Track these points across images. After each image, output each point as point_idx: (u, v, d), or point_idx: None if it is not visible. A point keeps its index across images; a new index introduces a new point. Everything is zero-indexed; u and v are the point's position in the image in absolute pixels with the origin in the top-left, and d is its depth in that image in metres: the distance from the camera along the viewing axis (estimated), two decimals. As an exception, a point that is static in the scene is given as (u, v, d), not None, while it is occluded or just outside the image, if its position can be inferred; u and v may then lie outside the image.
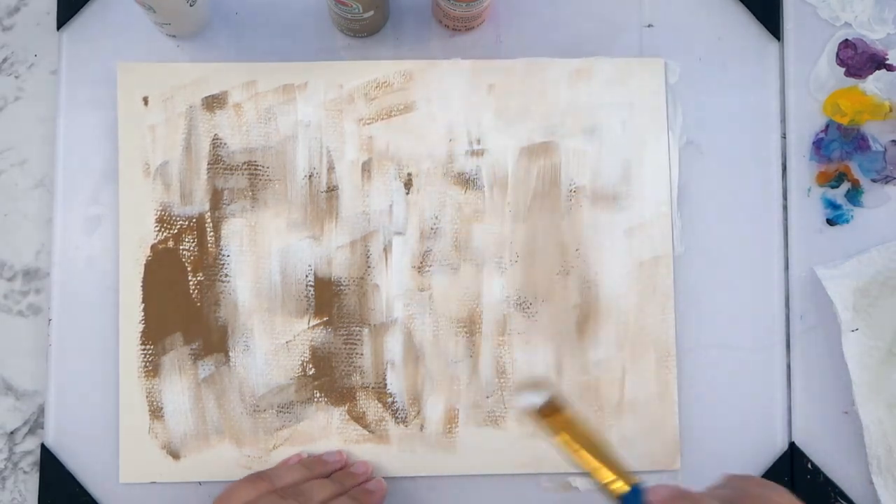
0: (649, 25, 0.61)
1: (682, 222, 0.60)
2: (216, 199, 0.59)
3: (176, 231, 0.59)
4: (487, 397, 0.58)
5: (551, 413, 0.51)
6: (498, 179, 0.59)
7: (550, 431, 0.51)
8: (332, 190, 0.59)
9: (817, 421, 0.59)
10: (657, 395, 0.58)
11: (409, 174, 0.59)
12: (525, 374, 0.58)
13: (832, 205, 0.60)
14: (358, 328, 0.58)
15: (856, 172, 0.60)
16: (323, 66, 0.60)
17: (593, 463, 0.50)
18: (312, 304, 0.58)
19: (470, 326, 0.59)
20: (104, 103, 0.60)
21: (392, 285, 0.59)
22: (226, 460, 0.58)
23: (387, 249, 0.59)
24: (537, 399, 0.52)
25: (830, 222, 0.60)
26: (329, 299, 0.58)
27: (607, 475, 0.50)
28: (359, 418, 0.58)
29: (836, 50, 0.61)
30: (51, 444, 0.58)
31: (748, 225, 0.60)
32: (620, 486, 0.49)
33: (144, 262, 0.58)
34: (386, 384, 0.58)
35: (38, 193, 0.60)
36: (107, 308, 0.59)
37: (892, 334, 0.58)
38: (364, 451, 0.58)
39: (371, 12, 0.57)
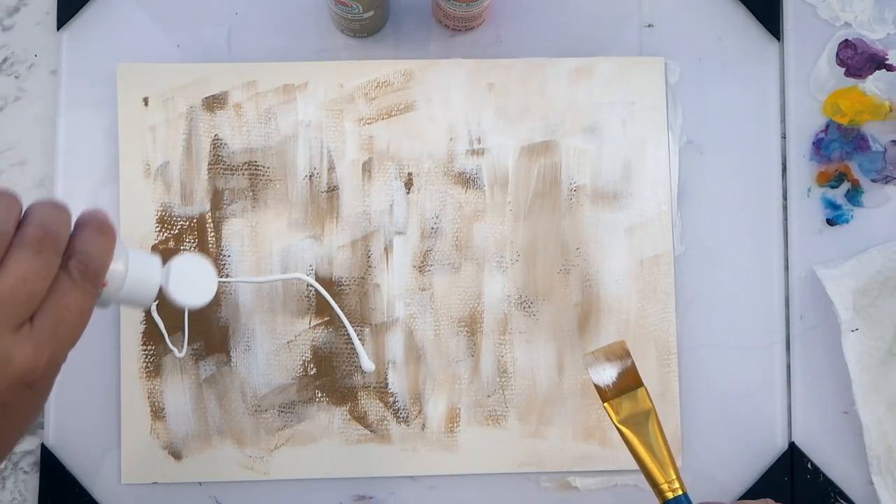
0: (649, 25, 0.61)
1: (682, 222, 0.60)
2: (217, 199, 0.59)
3: (177, 231, 0.59)
4: (489, 396, 0.58)
5: (624, 390, 0.52)
6: (498, 178, 0.59)
7: (614, 418, 0.52)
8: (332, 190, 0.59)
9: (817, 421, 0.59)
10: (658, 393, 0.58)
11: (410, 174, 0.59)
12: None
13: (832, 205, 0.60)
14: (359, 328, 0.58)
15: (856, 172, 0.60)
16: (323, 66, 0.60)
17: (647, 461, 0.51)
18: (313, 303, 0.58)
19: (471, 325, 0.59)
20: (104, 103, 0.60)
21: (393, 285, 0.59)
22: (228, 460, 0.58)
23: (388, 249, 0.59)
24: (612, 372, 0.52)
25: (830, 222, 0.60)
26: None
27: (659, 477, 0.51)
28: (360, 418, 0.58)
29: (836, 50, 0.61)
30: (51, 444, 0.58)
31: (748, 225, 0.60)
32: (668, 491, 0.50)
33: (145, 262, 0.58)
34: (387, 384, 0.58)
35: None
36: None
37: (893, 334, 0.58)
38: (366, 450, 0.58)
39: (371, 12, 0.57)
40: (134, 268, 0.42)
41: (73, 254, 0.38)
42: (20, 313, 0.36)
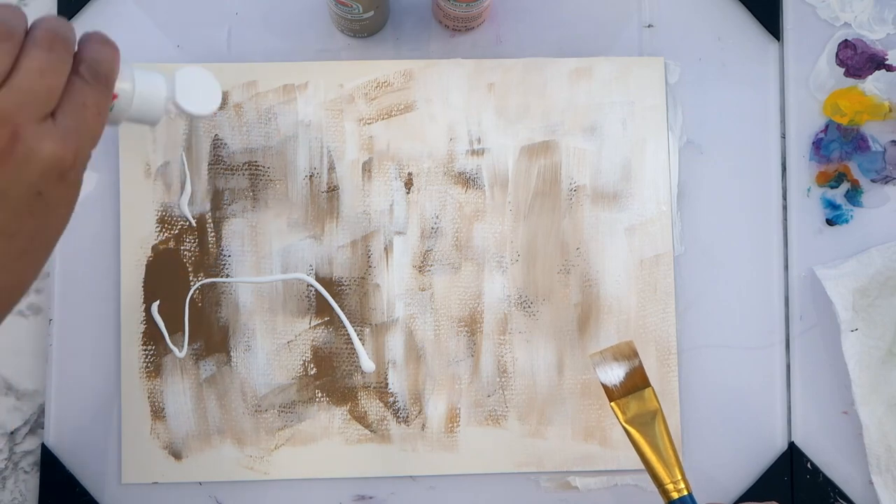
0: (649, 25, 0.61)
1: (682, 222, 0.60)
2: (217, 199, 0.59)
3: (177, 231, 0.59)
4: (489, 396, 0.58)
5: (631, 390, 0.52)
6: (498, 178, 0.59)
7: (621, 417, 0.52)
8: (332, 190, 0.59)
9: (817, 421, 0.59)
10: (658, 393, 0.58)
11: (410, 174, 0.59)
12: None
13: (832, 205, 0.60)
14: (359, 328, 0.58)
15: (855, 172, 0.60)
16: (323, 66, 0.60)
17: (653, 461, 0.52)
18: (314, 303, 0.58)
19: (471, 326, 0.59)
20: (104, 103, 0.60)
21: (393, 285, 0.59)
22: (228, 460, 0.58)
23: (388, 249, 0.59)
24: (619, 372, 0.53)
25: (830, 222, 0.60)
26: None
27: (664, 477, 0.51)
28: (360, 418, 0.58)
29: (835, 50, 0.61)
30: (51, 444, 0.58)
31: (748, 225, 0.60)
32: (673, 491, 0.51)
33: (145, 262, 0.58)
34: (387, 384, 0.58)
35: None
36: (108, 308, 0.59)
37: (893, 334, 0.58)
38: (365, 450, 0.58)
39: (371, 12, 0.57)
40: (141, 82, 0.43)
41: (82, 60, 0.40)
42: (41, 106, 0.37)
